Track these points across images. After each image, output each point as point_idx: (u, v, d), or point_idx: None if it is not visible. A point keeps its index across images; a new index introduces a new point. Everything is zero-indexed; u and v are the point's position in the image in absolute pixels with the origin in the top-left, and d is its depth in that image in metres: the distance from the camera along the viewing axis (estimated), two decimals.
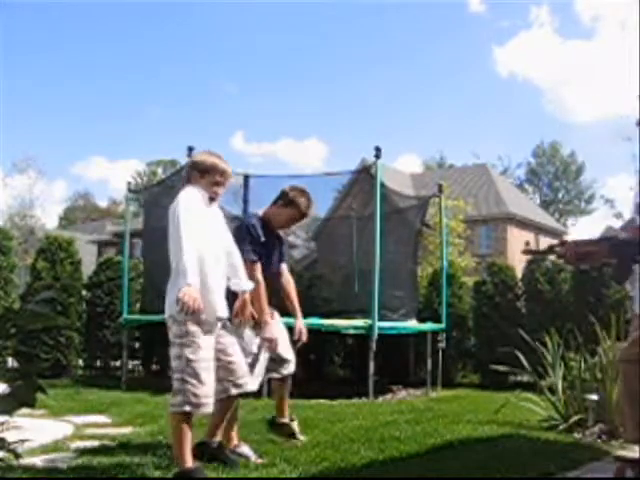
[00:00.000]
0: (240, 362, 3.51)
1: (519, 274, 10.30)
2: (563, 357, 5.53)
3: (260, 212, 4.21)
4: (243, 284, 3.59)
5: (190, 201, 3.32)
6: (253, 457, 3.75)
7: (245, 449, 3.89)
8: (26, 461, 3.44)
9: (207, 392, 3.21)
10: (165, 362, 9.60)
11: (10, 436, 2.00)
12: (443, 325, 8.88)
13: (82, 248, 15.79)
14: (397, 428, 4.90)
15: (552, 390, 5.45)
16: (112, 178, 78.08)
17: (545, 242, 30.60)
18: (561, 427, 5.03)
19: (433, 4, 68.94)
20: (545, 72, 74.73)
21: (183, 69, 76.03)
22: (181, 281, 3.08)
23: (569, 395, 5.30)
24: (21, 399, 1.73)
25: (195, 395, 3.17)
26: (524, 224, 30.39)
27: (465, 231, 20.52)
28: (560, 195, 53.24)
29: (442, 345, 8.74)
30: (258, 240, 3.93)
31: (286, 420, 4.34)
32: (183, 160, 8.75)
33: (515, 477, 3.54)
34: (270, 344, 3.93)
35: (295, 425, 4.36)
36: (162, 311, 9.13)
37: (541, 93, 78.43)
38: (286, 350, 4.16)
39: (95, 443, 4.25)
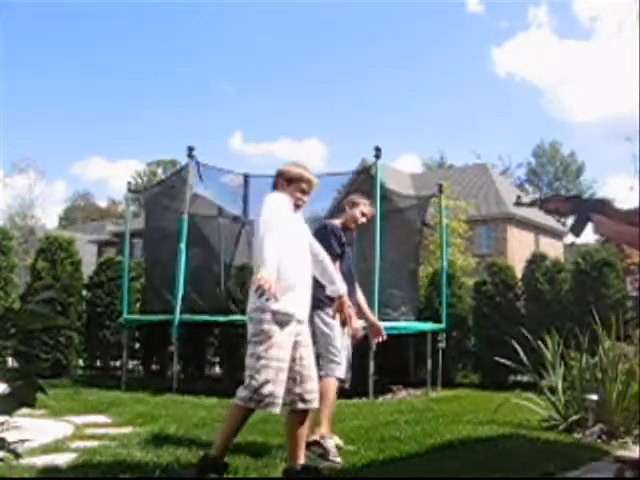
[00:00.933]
0: (313, 377, 3.44)
1: (519, 274, 10.31)
2: (563, 357, 5.53)
3: (335, 221, 4.58)
4: (339, 289, 3.64)
5: (275, 203, 3.38)
6: None
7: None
8: (26, 461, 3.44)
9: (273, 391, 3.17)
10: (165, 362, 9.61)
11: (10, 436, 2.00)
12: (443, 325, 8.89)
13: (82, 248, 15.79)
14: (397, 428, 4.91)
15: (552, 390, 5.45)
16: (111, 178, 78.21)
17: (545, 242, 30.59)
18: (561, 427, 5.03)
19: (432, 4, 69.01)
20: (543, 72, 74.74)
21: (182, 69, 76.09)
22: (260, 271, 3.05)
23: (569, 395, 5.30)
24: (21, 399, 1.72)
25: (260, 393, 3.16)
26: (524, 224, 30.34)
27: (466, 232, 20.53)
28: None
29: (442, 345, 8.74)
30: (340, 240, 4.34)
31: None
32: (183, 160, 8.75)
33: (515, 477, 3.54)
34: (355, 332, 4.32)
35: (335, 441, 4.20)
36: (162, 311, 9.07)
37: (540, 93, 78.47)
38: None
39: (95, 443, 4.25)
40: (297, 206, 3.53)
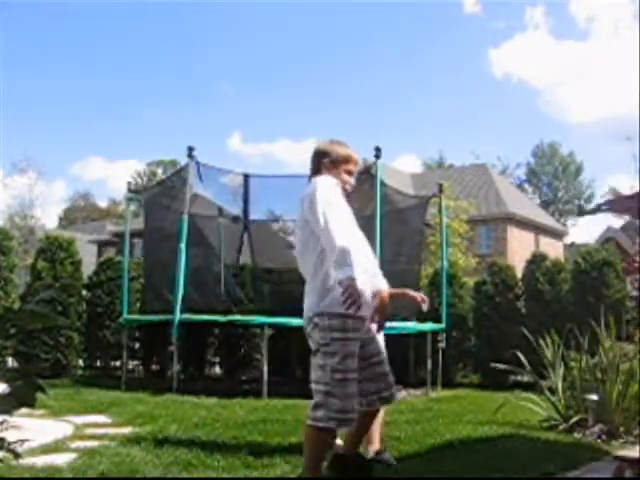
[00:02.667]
0: (388, 371, 3.13)
1: (519, 274, 10.31)
2: (563, 357, 5.54)
3: None
4: (379, 282, 3.13)
5: (331, 188, 2.96)
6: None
7: (387, 455, 3.77)
8: (26, 461, 3.44)
9: (353, 407, 2.84)
10: (165, 362, 9.61)
11: (10, 436, 2.00)
12: (443, 325, 8.88)
13: (82, 248, 15.78)
14: (397, 428, 4.90)
15: (552, 390, 5.45)
16: (110, 178, 78.19)
17: (545, 242, 30.58)
18: (561, 427, 5.03)
19: (430, 4, 69.07)
20: (541, 73, 74.80)
21: (182, 69, 76.04)
22: (338, 272, 2.66)
23: (569, 395, 5.31)
24: (21, 399, 1.72)
25: (341, 411, 2.78)
26: (524, 224, 30.33)
27: (467, 232, 20.54)
28: (560, 195, 53.27)
29: (442, 345, 8.74)
30: None
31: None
32: (183, 160, 8.75)
33: (515, 477, 3.54)
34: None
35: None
36: (162, 311, 9.04)
37: (537, 94, 78.40)
38: None
39: (95, 443, 4.25)
40: (344, 190, 3.10)
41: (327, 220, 2.77)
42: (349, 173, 3.15)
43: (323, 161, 3.13)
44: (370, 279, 3.01)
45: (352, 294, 2.60)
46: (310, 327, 2.90)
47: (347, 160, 3.14)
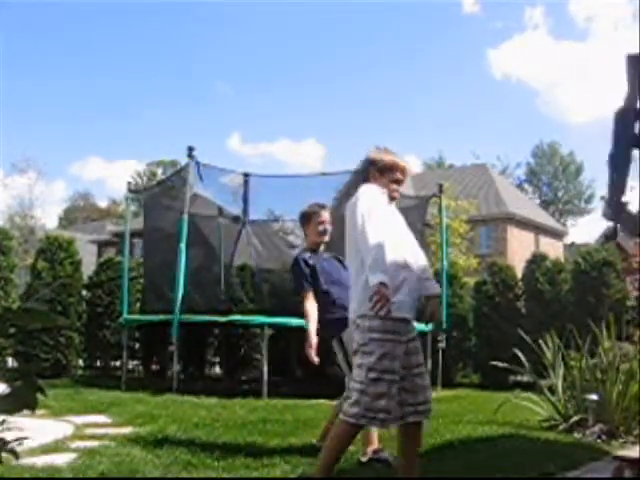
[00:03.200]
0: (427, 385, 3.09)
1: (519, 274, 10.31)
2: (563, 357, 5.54)
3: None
4: (431, 287, 3.13)
5: (372, 196, 3.05)
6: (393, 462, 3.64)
7: (385, 454, 3.81)
8: (26, 461, 3.45)
9: (387, 406, 2.83)
10: (165, 362, 9.61)
11: (9, 436, 2.00)
12: (443, 325, 8.88)
13: (82, 248, 15.79)
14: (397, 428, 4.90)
15: (552, 390, 5.45)
16: (109, 178, 78.26)
17: (545, 242, 30.58)
18: (561, 427, 5.03)
19: (429, 4, 69.07)
20: (540, 73, 74.78)
21: (181, 69, 76.02)
22: (371, 278, 2.72)
23: (569, 395, 5.30)
24: (22, 400, 1.72)
25: (372, 409, 2.82)
26: (524, 224, 30.35)
27: (467, 232, 20.54)
28: (560, 195, 53.26)
29: (442, 345, 8.74)
30: (307, 266, 4.08)
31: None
32: (183, 160, 8.74)
33: (515, 477, 3.54)
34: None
35: None
36: (162, 311, 9.02)
37: (536, 94, 78.43)
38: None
39: (95, 443, 4.25)
40: (392, 198, 3.21)
41: (364, 226, 2.86)
42: (396, 182, 3.22)
43: (371, 169, 3.24)
44: (414, 283, 3.01)
45: (381, 298, 2.66)
46: (353, 328, 3.00)
47: (392, 168, 3.21)
